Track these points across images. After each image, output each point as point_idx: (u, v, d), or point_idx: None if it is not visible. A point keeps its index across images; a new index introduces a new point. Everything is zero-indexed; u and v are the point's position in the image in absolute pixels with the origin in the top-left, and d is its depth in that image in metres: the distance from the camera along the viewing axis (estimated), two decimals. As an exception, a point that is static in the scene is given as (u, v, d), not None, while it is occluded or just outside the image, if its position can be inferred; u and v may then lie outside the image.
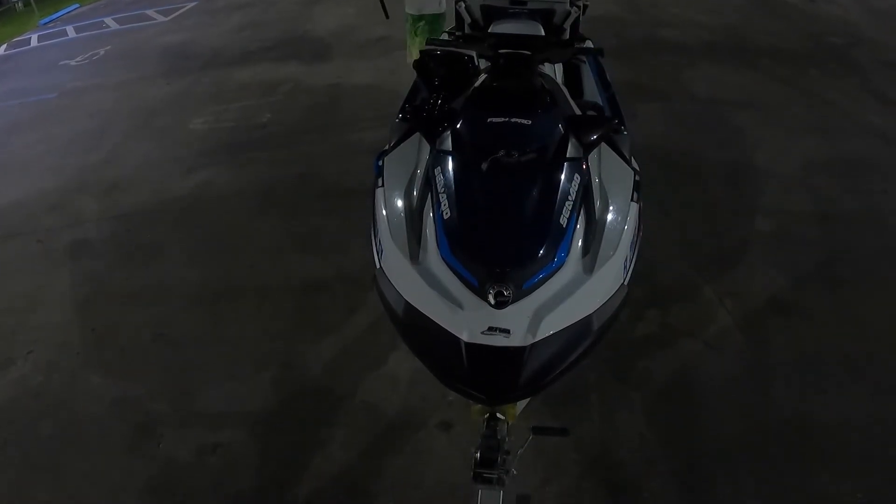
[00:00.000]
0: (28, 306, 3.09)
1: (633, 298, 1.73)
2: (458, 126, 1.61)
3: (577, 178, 1.49)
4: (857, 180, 3.42)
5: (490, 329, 1.28)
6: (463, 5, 2.69)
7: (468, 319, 1.30)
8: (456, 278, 1.37)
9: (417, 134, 1.73)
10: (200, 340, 2.73)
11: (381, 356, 2.50)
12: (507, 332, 1.28)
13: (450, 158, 1.55)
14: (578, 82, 2.51)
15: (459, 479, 1.96)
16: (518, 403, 1.51)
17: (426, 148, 1.67)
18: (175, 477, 2.14)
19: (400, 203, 1.60)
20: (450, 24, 2.92)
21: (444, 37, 2.64)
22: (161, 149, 4.69)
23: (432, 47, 2.12)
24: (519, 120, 1.59)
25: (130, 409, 2.42)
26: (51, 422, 2.41)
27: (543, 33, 2.35)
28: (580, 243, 1.45)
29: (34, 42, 9.17)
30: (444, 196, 1.47)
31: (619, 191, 1.60)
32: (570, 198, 1.45)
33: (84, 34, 9.02)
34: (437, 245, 1.43)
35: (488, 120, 1.60)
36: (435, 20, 5.28)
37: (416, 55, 2.10)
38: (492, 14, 2.54)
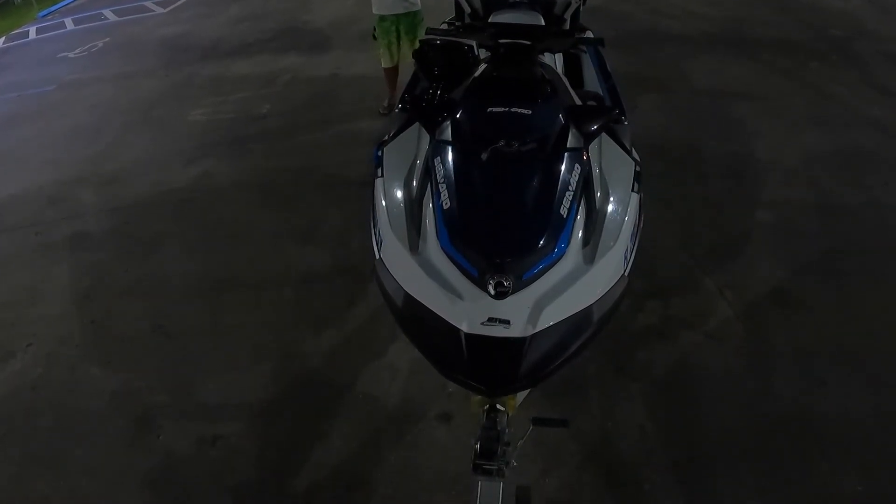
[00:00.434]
0: (27, 299, 3.09)
1: (634, 290, 1.72)
2: (458, 116, 1.60)
3: (577, 168, 1.48)
4: (857, 172, 3.40)
5: (490, 320, 1.27)
6: None
7: (468, 310, 1.29)
8: (456, 269, 1.36)
9: (417, 124, 1.72)
10: (200, 332, 2.73)
11: (380, 347, 2.49)
12: (506, 322, 1.27)
13: (450, 148, 1.54)
14: (579, 72, 2.49)
15: (459, 471, 1.96)
16: (518, 394, 1.50)
17: (426, 138, 1.65)
18: (175, 469, 2.14)
19: (399, 193, 1.59)
20: (448, 16, 2.90)
21: (444, 27, 2.62)
22: (160, 141, 4.68)
23: (432, 37, 2.10)
24: (519, 110, 1.57)
25: (130, 401, 2.43)
26: (50, 414, 2.41)
27: (544, 23, 2.33)
28: (580, 234, 1.44)
29: (33, 34, 9.15)
30: (444, 186, 1.45)
31: (619, 181, 1.58)
32: (570, 188, 1.43)
33: (82, 26, 8.99)
34: (437, 235, 1.42)
35: (488, 110, 1.59)
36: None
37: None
38: (492, 4, 2.52)
